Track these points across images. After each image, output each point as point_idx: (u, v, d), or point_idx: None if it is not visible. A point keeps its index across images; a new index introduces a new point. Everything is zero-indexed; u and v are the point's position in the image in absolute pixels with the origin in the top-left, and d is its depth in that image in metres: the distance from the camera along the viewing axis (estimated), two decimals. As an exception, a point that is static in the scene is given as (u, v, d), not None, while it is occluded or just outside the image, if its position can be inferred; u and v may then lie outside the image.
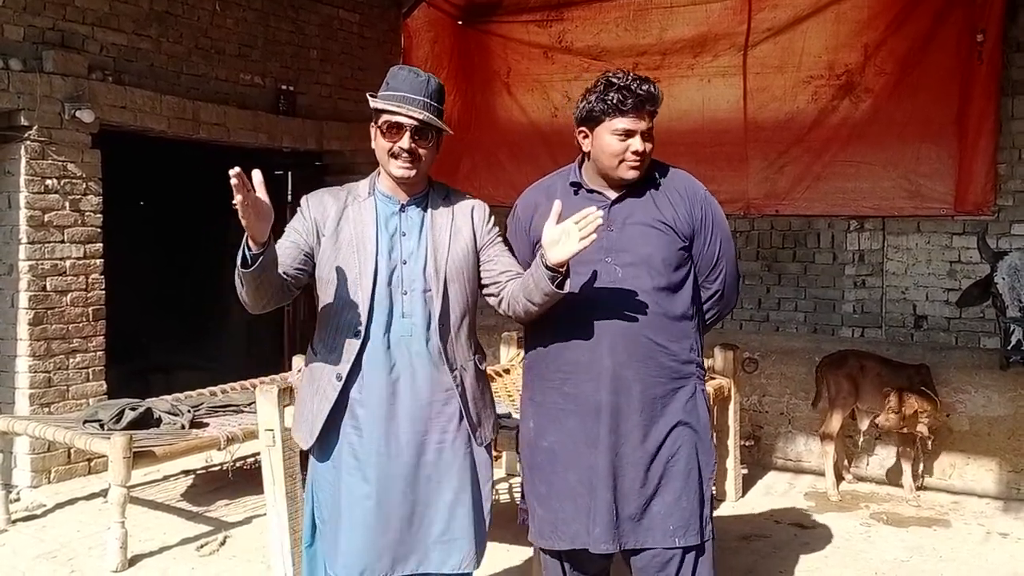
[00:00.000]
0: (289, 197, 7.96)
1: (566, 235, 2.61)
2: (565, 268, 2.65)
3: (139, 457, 4.45)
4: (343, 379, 2.76)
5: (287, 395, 4.05)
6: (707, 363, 4.82)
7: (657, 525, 2.84)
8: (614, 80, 2.82)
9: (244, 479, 5.61)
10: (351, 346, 2.76)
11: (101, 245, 6.03)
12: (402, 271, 2.79)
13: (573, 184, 2.97)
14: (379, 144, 2.80)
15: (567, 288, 2.68)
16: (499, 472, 5.57)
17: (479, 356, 2.94)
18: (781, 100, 7.30)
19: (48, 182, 5.71)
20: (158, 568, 4.51)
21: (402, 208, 2.85)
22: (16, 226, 5.63)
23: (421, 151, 2.77)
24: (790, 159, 7.28)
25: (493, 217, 2.96)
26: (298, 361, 5.78)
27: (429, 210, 2.86)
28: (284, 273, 2.72)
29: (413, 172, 2.78)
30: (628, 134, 2.81)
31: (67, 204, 5.82)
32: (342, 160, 8.08)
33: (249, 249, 2.52)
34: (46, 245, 5.71)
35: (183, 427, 4.95)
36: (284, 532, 4.06)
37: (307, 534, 2.97)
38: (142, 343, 8.81)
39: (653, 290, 2.84)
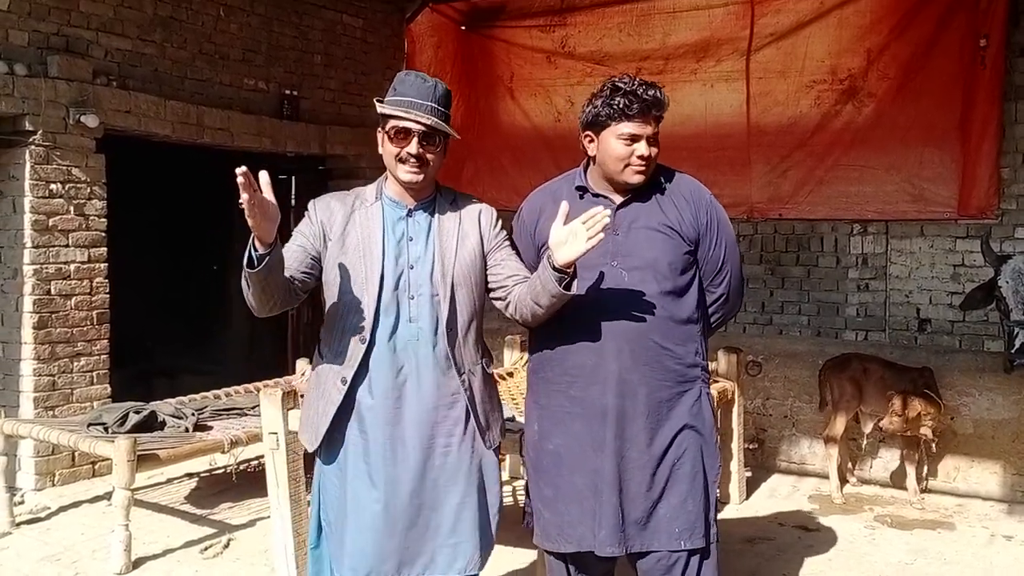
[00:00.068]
0: (293, 201, 7.97)
1: (573, 235, 2.61)
2: (572, 269, 2.65)
3: (143, 460, 4.46)
4: (347, 383, 2.77)
5: (291, 398, 4.06)
6: (711, 366, 4.82)
7: (663, 528, 2.84)
8: (620, 85, 2.83)
9: (248, 482, 5.62)
10: (356, 350, 2.76)
11: (105, 249, 6.05)
12: (409, 276, 2.79)
13: (579, 188, 2.97)
14: (387, 149, 2.80)
15: (574, 289, 2.68)
16: (503, 475, 5.56)
17: (486, 360, 2.94)
18: (784, 105, 7.31)
19: (53, 186, 5.73)
20: (162, 571, 4.51)
21: (409, 213, 2.85)
22: (21, 230, 5.65)
23: (429, 156, 2.77)
24: (793, 163, 7.29)
25: (500, 221, 2.96)
26: (302, 364, 5.81)
27: (436, 215, 2.86)
28: (291, 277, 2.73)
29: (421, 177, 2.78)
30: (634, 139, 2.81)
31: (71, 208, 5.84)
32: (346, 164, 8.10)
33: (255, 249, 2.53)
34: (51, 249, 5.73)
35: (187, 430, 4.96)
36: (288, 535, 4.06)
37: (313, 535, 2.97)
38: (146, 347, 8.82)
39: (659, 294, 2.84)
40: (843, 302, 7.41)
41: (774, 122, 7.35)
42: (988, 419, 5.60)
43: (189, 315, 9.47)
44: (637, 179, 2.85)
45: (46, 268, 5.71)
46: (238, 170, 2.40)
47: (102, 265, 6.03)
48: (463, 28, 8.65)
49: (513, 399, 4.95)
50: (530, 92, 8.42)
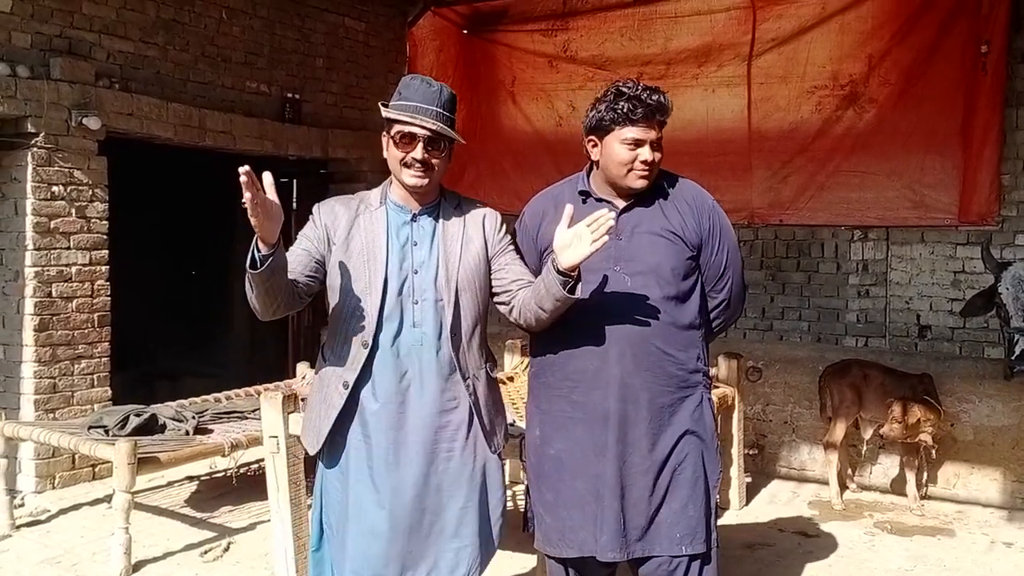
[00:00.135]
0: (294, 205, 7.96)
1: (578, 239, 2.61)
2: (576, 273, 2.65)
3: (143, 463, 4.45)
4: (349, 387, 2.77)
5: (291, 402, 4.06)
6: (711, 372, 4.82)
7: (664, 533, 2.84)
8: (624, 89, 2.83)
9: (248, 485, 5.62)
10: (359, 354, 2.77)
11: (107, 252, 6.05)
12: (413, 280, 2.79)
13: (582, 193, 2.97)
14: (391, 154, 2.80)
15: (578, 293, 2.68)
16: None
17: (491, 364, 2.94)
18: (785, 110, 7.32)
19: (54, 189, 5.73)
20: (162, 574, 4.51)
21: (414, 218, 2.85)
22: (22, 232, 5.65)
23: (434, 161, 2.77)
24: (794, 169, 7.30)
25: (504, 225, 2.96)
26: (303, 368, 5.81)
27: (441, 220, 2.86)
28: (295, 280, 2.73)
29: (426, 182, 2.78)
30: (638, 143, 2.81)
31: (73, 211, 5.84)
32: (347, 168, 8.10)
33: (258, 250, 2.53)
34: (52, 251, 5.74)
35: (188, 433, 4.96)
36: (288, 538, 4.06)
37: (314, 538, 2.97)
38: (148, 349, 8.83)
39: (662, 299, 2.84)
40: (843, 308, 7.42)
41: (775, 127, 7.36)
42: (988, 426, 5.60)
43: (191, 318, 9.48)
44: (640, 184, 2.86)
45: (47, 270, 5.71)
46: (241, 169, 2.41)
47: (103, 267, 6.03)
48: (465, 32, 8.68)
49: (513, 403, 4.95)
50: (532, 96, 8.44)
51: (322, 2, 7.83)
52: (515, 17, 8.45)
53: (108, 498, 5.35)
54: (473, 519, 2.83)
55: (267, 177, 2.53)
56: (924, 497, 5.68)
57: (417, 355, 2.77)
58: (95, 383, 5.98)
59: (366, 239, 2.80)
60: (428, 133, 2.74)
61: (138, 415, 4.93)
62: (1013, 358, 5.12)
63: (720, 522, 3.20)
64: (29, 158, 5.62)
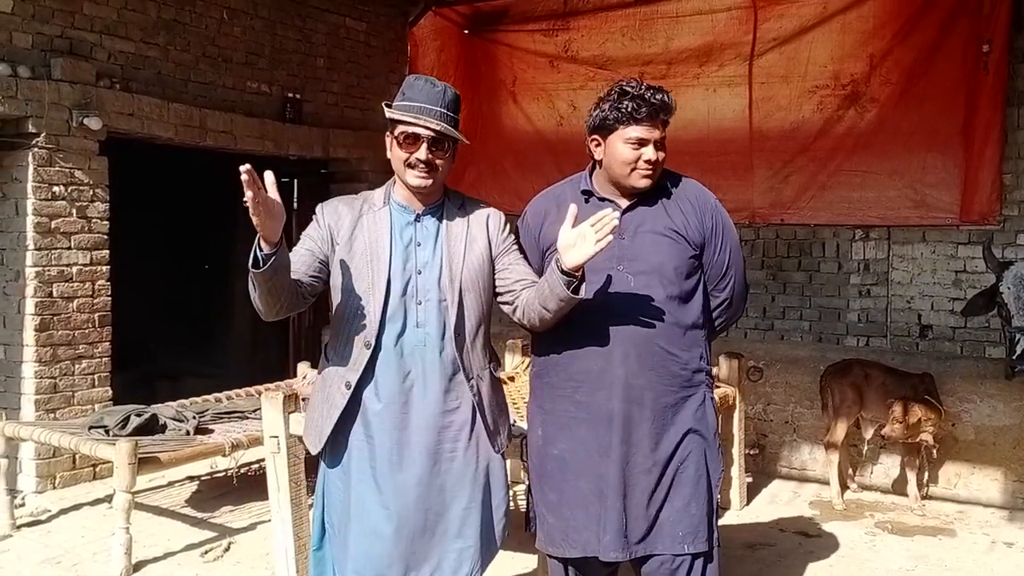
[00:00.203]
0: (295, 205, 7.97)
1: (582, 238, 2.61)
2: (580, 273, 2.65)
3: (144, 463, 4.45)
4: (352, 387, 2.77)
5: (292, 402, 4.06)
6: (712, 371, 4.82)
7: (666, 532, 2.84)
8: (628, 89, 2.82)
9: (249, 485, 5.62)
10: (361, 355, 2.76)
11: (107, 252, 6.05)
12: (417, 281, 2.78)
13: (584, 192, 2.96)
14: (395, 154, 2.80)
15: (582, 293, 2.67)
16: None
17: (494, 364, 2.94)
18: (786, 110, 7.32)
19: (55, 189, 5.73)
20: (162, 574, 4.51)
21: (417, 218, 2.85)
22: (23, 232, 5.65)
23: (438, 162, 2.77)
24: (795, 168, 7.30)
25: (508, 225, 2.96)
26: (303, 368, 5.82)
27: (444, 220, 2.86)
28: (298, 280, 2.72)
29: (430, 182, 2.78)
30: (641, 143, 2.80)
31: (74, 211, 5.84)
32: (348, 168, 8.10)
33: (261, 250, 2.52)
34: (53, 251, 5.74)
35: (188, 433, 4.96)
36: (288, 538, 4.06)
37: (316, 537, 2.97)
38: (148, 349, 8.82)
39: (665, 299, 2.84)
40: (844, 308, 7.41)
41: (776, 127, 7.36)
42: (989, 425, 5.59)
43: (191, 318, 9.47)
44: (644, 183, 2.85)
45: (48, 270, 5.71)
46: (242, 168, 2.40)
47: (104, 268, 6.03)
48: (466, 32, 8.68)
49: (514, 403, 4.95)
50: (533, 96, 8.44)
51: (323, 2, 7.83)
52: (516, 17, 8.45)
53: (109, 498, 5.35)
54: (476, 519, 2.83)
55: (269, 176, 2.53)
56: (925, 497, 5.67)
57: (420, 355, 2.77)
58: (96, 383, 5.99)
59: (369, 239, 2.80)
60: (432, 134, 2.73)
61: (139, 415, 4.93)
62: (1014, 357, 5.12)
63: (721, 522, 3.20)
64: (30, 158, 5.62)
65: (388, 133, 2.82)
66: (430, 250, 2.82)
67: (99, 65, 6.03)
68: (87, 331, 5.93)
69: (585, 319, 2.80)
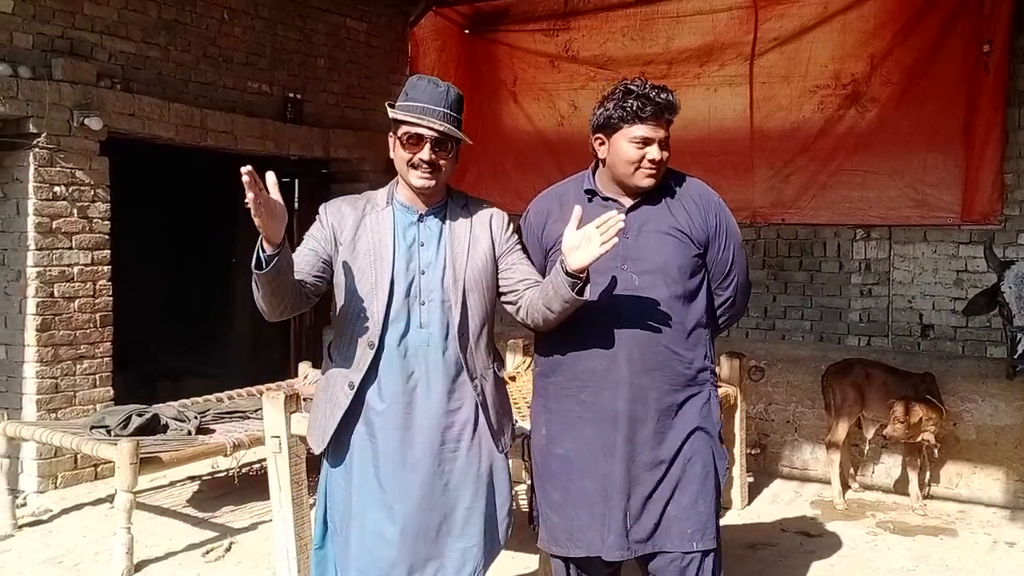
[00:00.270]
0: (296, 205, 7.97)
1: (587, 240, 2.60)
2: (585, 274, 2.64)
3: (145, 463, 4.46)
4: (355, 387, 2.77)
5: (293, 402, 4.06)
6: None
7: (675, 529, 2.83)
8: (633, 87, 2.82)
9: (250, 485, 5.62)
10: (365, 355, 2.76)
11: (109, 252, 6.06)
12: (420, 281, 2.78)
13: (587, 191, 2.96)
14: (398, 155, 2.79)
15: (587, 295, 2.67)
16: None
17: (498, 364, 2.94)
18: (787, 109, 7.33)
19: (56, 189, 5.73)
20: (164, 574, 4.51)
21: (420, 218, 2.84)
22: (24, 233, 5.65)
23: (441, 162, 2.76)
24: (796, 168, 7.30)
25: (511, 225, 2.95)
26: (304, 368, 5.81)
27: (448, 220, 2.85)
28: (302, 280, 2.72)
29: (433, 183, 2.77)
30: (646, 142, 2.80)
31: (75, 211, 5.84)
32: (349, 168, 8.09)
33: (263, 250, 2.52)
34: (54, 252, 5.74)
35: (190, 433, 4.96)
36: (290, 538, 4.06)
37: (318, 536, 2.97)
38: (150, 349, 8.82)
39: (669, 298, 2.83)
40: (846, 307, 7.41)
41: (777, 127, 7.37)
42: (991, 425, 5.59)
43: (193, 318, 9.48)
44: (648, 182, 2.84)
45: (49, 270, 5.71)
46: (243, 169, 2.40)
47: (105, 268, 6.03)
48: (467, 32, 8.69)
49: (515, 403, 4.95)
50: (533, 96, 8.44)
51: (323, 2, 7.83)
52: (516, 17, 8.46)
53: (110, 498, 5.34)
54: (480, 519, 2.83)
55: (270, 177, 2.52)
56: (927, 497, 5.67)
57: (424, 356, 2.76)
58: (97, 383, 5.99)
59: (372, 240, 2.79)
60: (435, 134, 2.72)
61: (140, 415, 4.93)
62: (1016, 357, 5.12)
63: (722, 522, 3.20)
64: (31, 158, 5.62)
65: (391, 133, 2.81)
66: (433, 250, 2.81)
67: (100, 65, 6.03)
68: (88, 331, 5.94)
69: (590, 319, 2.79)
